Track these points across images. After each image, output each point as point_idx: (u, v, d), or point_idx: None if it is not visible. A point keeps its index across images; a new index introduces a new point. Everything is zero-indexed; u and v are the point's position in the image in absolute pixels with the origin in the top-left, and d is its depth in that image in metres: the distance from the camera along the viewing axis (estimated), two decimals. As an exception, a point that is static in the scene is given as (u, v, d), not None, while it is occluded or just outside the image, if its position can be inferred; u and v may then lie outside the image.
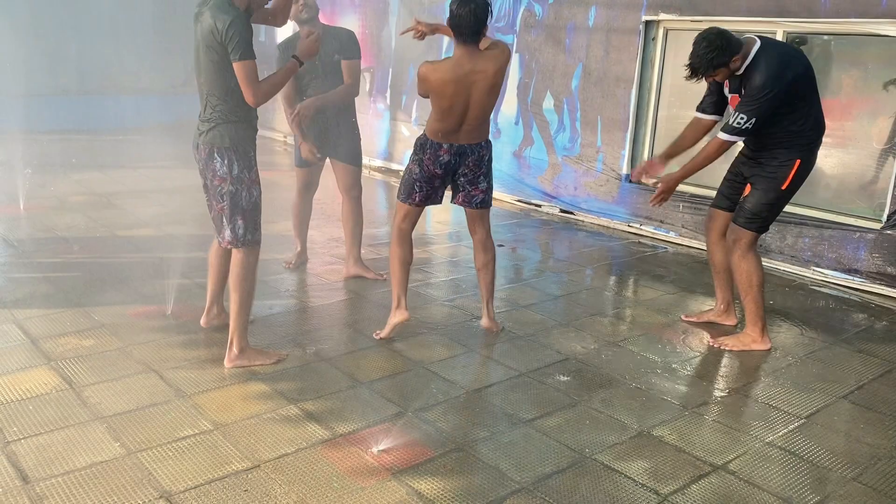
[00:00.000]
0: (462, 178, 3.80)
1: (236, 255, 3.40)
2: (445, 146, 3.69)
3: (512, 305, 4.47)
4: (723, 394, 3.46)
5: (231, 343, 3.45)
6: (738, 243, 3.86)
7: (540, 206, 7.05)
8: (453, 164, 3.74)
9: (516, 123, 7.23)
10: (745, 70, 3.61)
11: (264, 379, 3.34)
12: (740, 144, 3.93)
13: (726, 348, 3.93)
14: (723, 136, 3.67)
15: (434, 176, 3.76)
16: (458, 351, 3.78)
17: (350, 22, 8.80)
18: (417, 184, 3.78)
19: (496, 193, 7.34)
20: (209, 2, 3.21)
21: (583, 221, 6.67)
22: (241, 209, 3.34)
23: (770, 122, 3.64)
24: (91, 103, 9.79)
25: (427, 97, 3.65)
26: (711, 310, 4.36)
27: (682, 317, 4.35)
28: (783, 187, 3.74)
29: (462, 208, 3.92)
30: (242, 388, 3.25)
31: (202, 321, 3.86)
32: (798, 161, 3.72)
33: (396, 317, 3.85)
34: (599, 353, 3.83)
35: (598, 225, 6.50)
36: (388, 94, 8.61)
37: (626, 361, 3.74)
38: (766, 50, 3.58)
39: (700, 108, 3.97)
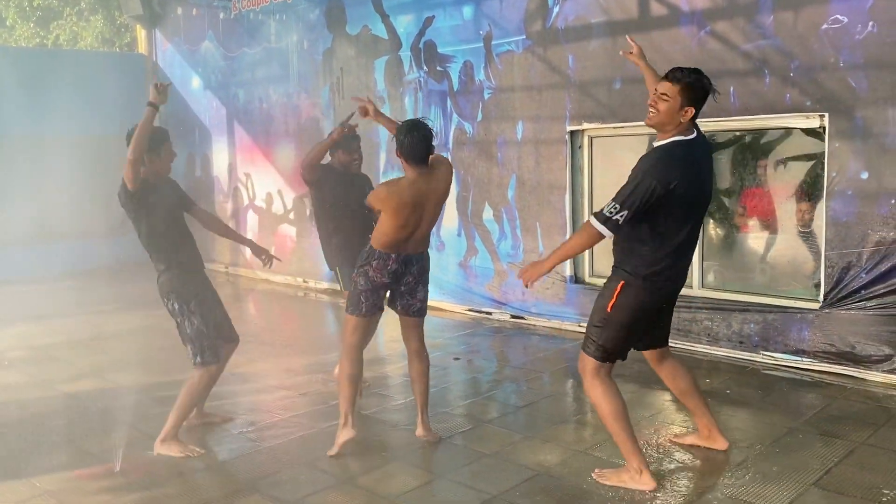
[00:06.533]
0: (404, 287, 3.94)
1: (193, 373, 3.94)
2: (394, 255, 3.83)
3: (475, 422, 4.40)
4: (694, 494, 3.42)
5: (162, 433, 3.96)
6: (584, 371, 3.45)
7: (491, 313, 7.09)
8: (400, 273, 3.88)
9: (459, 235, 7.36)
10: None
11: (224, 534, 3.16)
12: None
13: (603, 481, 3.51)
14: (592, 220, 3.22)
15: (380, 286, 3.89)
16: (425, 479, 3.67)
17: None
18: (363, 294, 3.89)
19: (446, 304, 7.38)
20: None
21: (534, 326, 6.71)
22: (188, 337, 3.90)
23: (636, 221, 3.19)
24: (25, 251, 9.58)
25: (377, 210, 3.83)
26: (695, 433, 3.95)
27: (672, 438, 3.98)
28: (608, 308, 3.33)
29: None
30: (201, 548, 3.06)
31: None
32: (622, 283, 3.31)
33: (344, 435, 3.88)
34: (568, 463, 3.77)
35: (550, 328, 6.55)
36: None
37: (596, 469, 3.68)
38: (677, 143, 3.28)
39: None
